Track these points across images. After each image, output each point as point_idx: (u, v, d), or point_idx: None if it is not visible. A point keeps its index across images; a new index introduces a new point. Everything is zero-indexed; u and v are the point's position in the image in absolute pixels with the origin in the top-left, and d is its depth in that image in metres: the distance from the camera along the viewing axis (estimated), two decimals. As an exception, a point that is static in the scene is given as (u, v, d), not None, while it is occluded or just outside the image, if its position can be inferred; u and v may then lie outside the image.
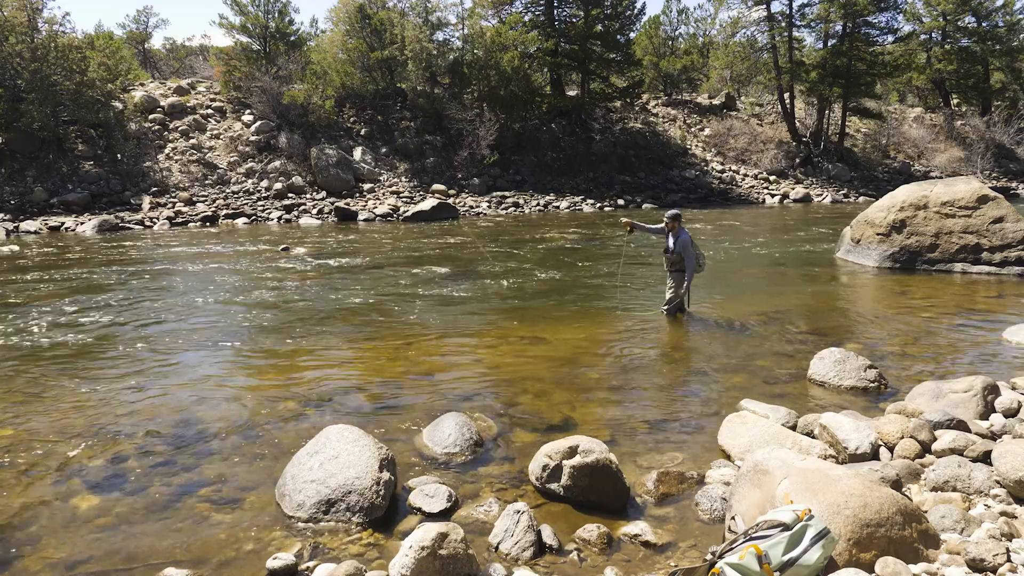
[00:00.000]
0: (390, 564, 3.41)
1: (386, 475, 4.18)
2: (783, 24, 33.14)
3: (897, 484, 3.95)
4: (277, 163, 24.62)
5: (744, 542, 3.15)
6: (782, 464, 3.64)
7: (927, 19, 39.38)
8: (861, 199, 29.02)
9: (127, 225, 19.44)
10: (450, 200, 23.81)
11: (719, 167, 31.57)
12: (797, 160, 32.56)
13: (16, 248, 15.57)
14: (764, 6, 33.54)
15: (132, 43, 35.19)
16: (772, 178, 31.27)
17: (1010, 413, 5.12)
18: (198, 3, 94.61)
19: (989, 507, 3.81)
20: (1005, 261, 11.91)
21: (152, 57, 39.71)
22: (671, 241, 8.72)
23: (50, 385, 6.42)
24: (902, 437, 4.67)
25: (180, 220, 20.43)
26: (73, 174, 22.26)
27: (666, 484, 4.38)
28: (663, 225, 8.84)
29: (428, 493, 4.23)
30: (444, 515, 4.07)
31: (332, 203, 23.02)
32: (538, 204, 25.33)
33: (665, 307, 8.94)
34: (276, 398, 6.04)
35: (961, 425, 4.76)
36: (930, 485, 4.11)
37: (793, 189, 29.99)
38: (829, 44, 33.33)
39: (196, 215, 20.81)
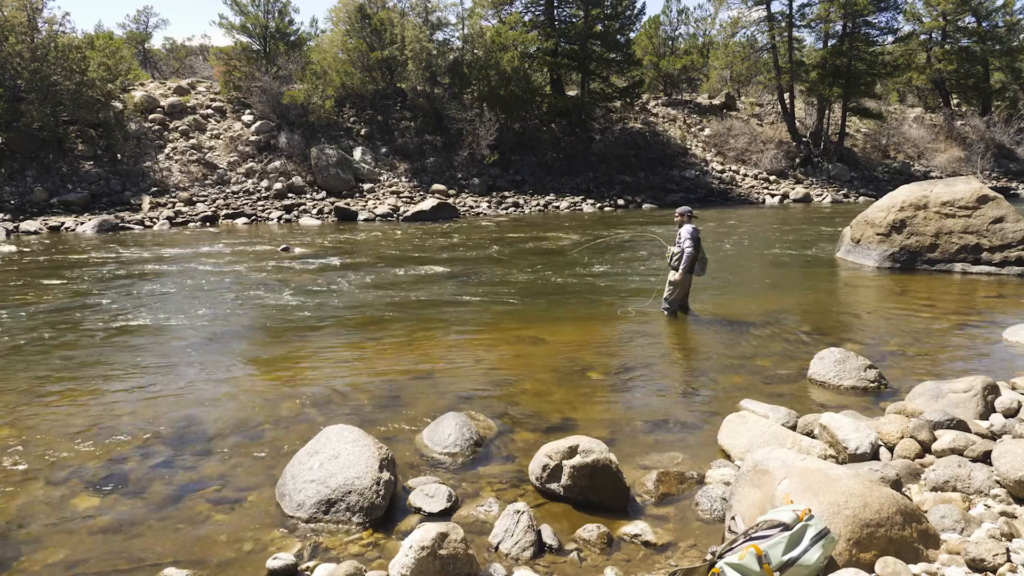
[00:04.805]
0: (390, 564, 3.41)
1: (386, 475, 4.18)
2: (783, 24, 33.12)
3: (897, 484, 3.94)
4: (277, 163, 24.61)
5: (744, 542, 3.15)
6: (782, 464, 3.64)
7: (927, 19, 39.34)
8: (861, 199, 29.01)
9: (127, 225, 19.43)
10: (450, 200, 23.80)
11: (719, 167, 31.55)
12: (797, 160, 32.54)
13: (16, 248, 15.57)
14: (764, 6, 33.54)
15: (132, 43, 35.13)
16: (772, 178, 31.26)
17: (1010, 413, 5.12)
18: (198, 3, 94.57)
19: (989, 507, 3.81)
20: (1005, 261, 11.91)
21: (152, 57, 39.70)
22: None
23: (50, 385, 6.42)
24: (902, 437, 4.67)
25: (180, 220, 20.43)
26: (73, 174, 22.25)
27: (666, 484, 4.38)
28: (681, 234, 8.70)
29: (428, 493, 4.23)
30: (444, 515, 4.07)
31: (332, 203, 23.01)
32: (538, 204, 25.33)
33: (665, 306, 8.94)
34: (276, 398, 6.05)
35: (961, 425, 4.76)
36: (930, 485, 4.11)
37: (793, 189, 29.98)
38: (829, 44, 33.31)
39: (196, 215, 20.80)
